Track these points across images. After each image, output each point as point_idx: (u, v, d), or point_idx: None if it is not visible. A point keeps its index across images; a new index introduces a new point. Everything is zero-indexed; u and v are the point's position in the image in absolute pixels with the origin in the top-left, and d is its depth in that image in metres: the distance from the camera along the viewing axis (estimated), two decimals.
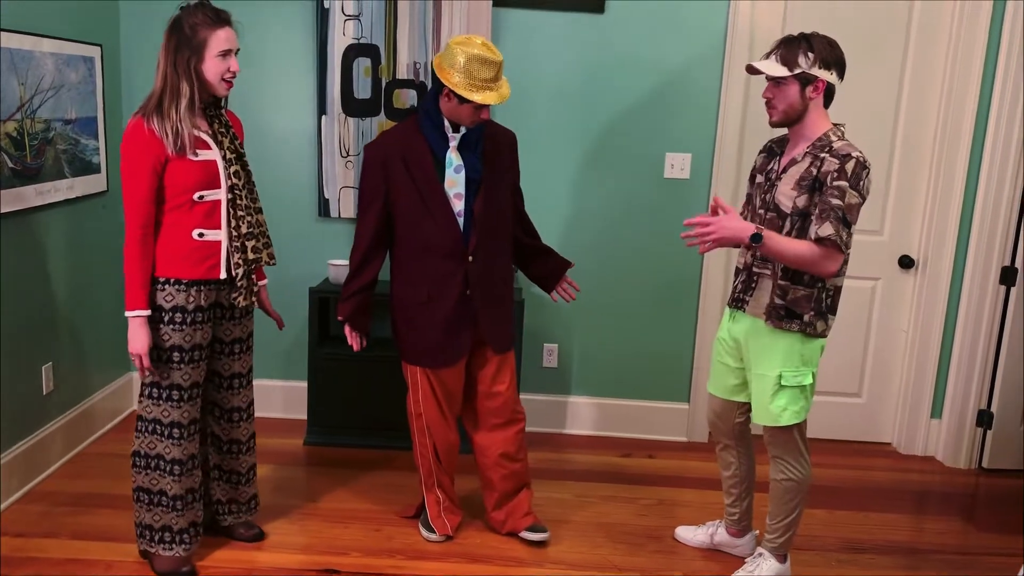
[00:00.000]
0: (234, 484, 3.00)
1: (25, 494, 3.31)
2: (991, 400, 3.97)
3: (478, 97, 2.68)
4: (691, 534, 3.21)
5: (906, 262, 4.00)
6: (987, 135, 3.79)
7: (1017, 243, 3.82)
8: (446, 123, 2.80)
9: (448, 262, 2.87)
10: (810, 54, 2.53)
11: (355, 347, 3.02)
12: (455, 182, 2.83)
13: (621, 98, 3.86)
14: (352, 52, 3.79)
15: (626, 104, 3.87)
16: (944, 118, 3.83)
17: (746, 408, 2.94)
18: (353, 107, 3.84)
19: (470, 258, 2.88)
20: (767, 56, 2.61)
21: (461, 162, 2.83)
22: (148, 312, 2.61)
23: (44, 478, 3.44)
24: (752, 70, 2.63)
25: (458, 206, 2.85)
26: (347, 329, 3.00)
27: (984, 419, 3.99)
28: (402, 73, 3.81)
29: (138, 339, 2.60)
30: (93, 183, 3.67)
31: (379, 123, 3.84)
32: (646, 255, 4.01)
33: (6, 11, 3.05)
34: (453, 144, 2.82)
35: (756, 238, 2.51)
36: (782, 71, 2.55)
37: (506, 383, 3.05)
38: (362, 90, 3.83)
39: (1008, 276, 3.86)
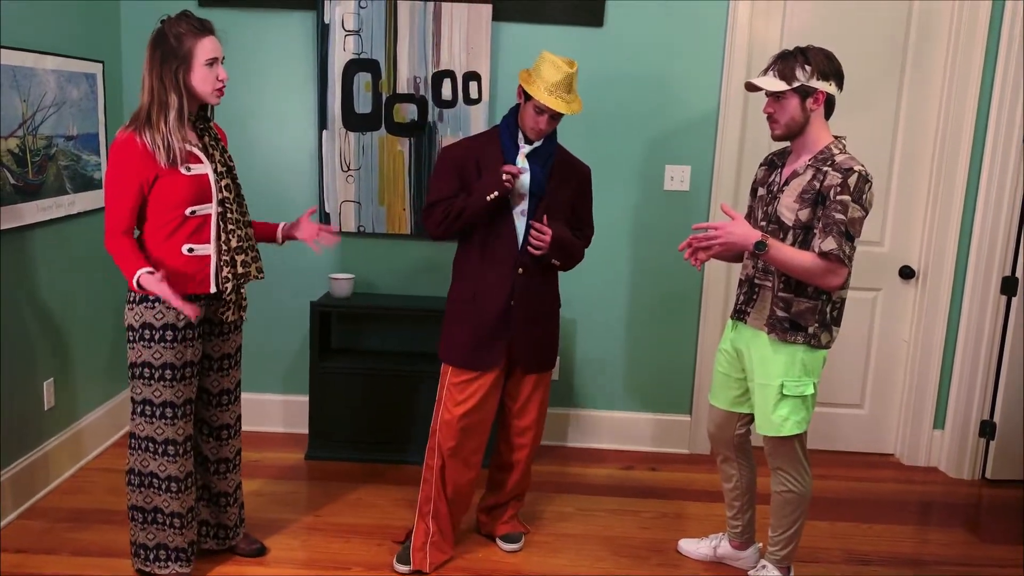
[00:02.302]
0: (222, 507, 2.97)
1: (26, 510, 3.30)
2: (993, 410, 3.96)
3: (539, 95, 2.71)
4: (693, 547, 3.20)
5: (907, 273, 4.01)
6: (986, 145, 3.80)
7: (1017, 253, 3.82)
8: (520, 134, 2.86)
9: (499, 268, 2.88)
10: (807, 67, 2.55)
11: (514, 176, 2.79)
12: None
13: (620, 111, 3.88)
14: (352, 67, 3.81)
15: (625, 117, 3.89)
16: (943, 128, 3.84)
17: (747, 420, 2.94)
18: (354, 122, 3.86)
19: (520, 270, 2.89)
20: (765, 72, 2.63)
21: (527, 167, 2.85)
22: (150, 268, 2.52)
23: (45, 494, 3.43)
24: (751, 87, 2.64)
25: (520, 205, 2.87)
26: (504, 179, 2.76)
27: (987, 430, 3.98)
28: (402, 88, 3.82)
29: (161, 290, 2.50)
30: (94, 199, 3.68)
31: (380, 137, 3.86)
32: (646, 267, 4.01)
33: (9, 28, 3.07)
34: (522, 152, 2.85)
35: (760, 245, 2.52)
36: (780, 86, 2.57)
37: (533, 414, 3.07)
38: (363, 105, 3.84)
39: (1009, 286, 3.86)
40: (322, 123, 3.86)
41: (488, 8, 3.74)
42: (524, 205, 2.87)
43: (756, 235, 2.54)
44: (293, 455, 3.93)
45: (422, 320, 4.00)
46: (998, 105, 3.75)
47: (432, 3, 3.74)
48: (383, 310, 3.89)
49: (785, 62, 2.58)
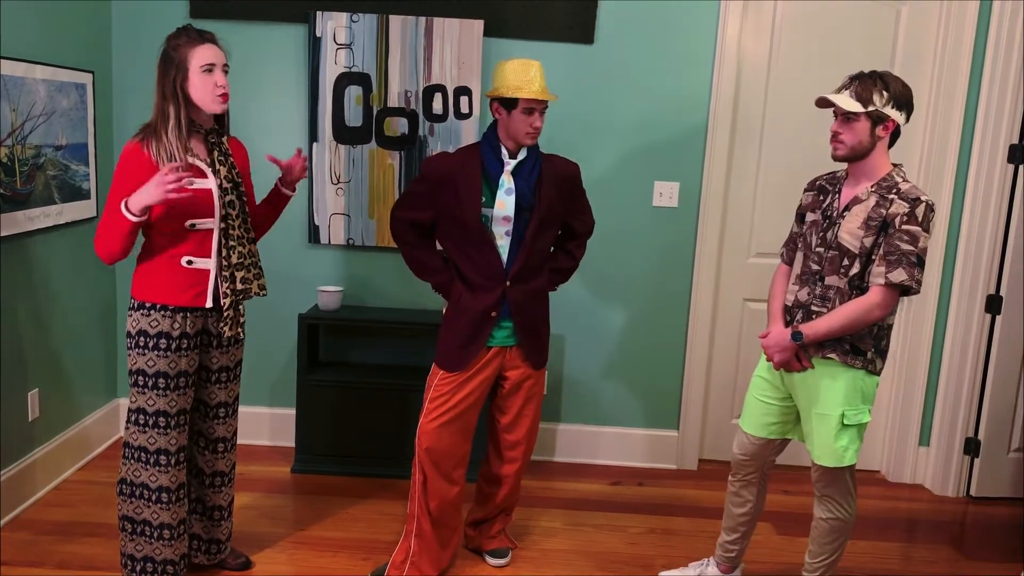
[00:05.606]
0: (215, 521, 2.95)
1: (10, 522, 3.27)
2: (978, 428, 3.99)
3: (523, 92, 2.74)
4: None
5: None
6: (971, 162, 3.84)
7: (1002, 271, 3.86)
8: (503, 149, 2.85)
9: (487, 284, 2.88)
10: (885, 93, 2.51)
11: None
12: (504, 204, 2.84)
13: (610, 127, 3.90)
14: (344, 80, 3.82)
15: (615, 133, 3.91)
16: (929, 145, 3.88)
17: (783, 446, 2.91)
18: (344, 135, 3.87)
19: (508, 283, 2.89)
20: (839, 91, 2.58)
21: (513, 185, 2.85)
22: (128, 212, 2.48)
23: (29, 506, 3.40)
24: (824, 103, 2.59)
25: (506, 226, 2.86)
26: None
27: (971, 447, 4.00)
28: (393, 101, 3.84)
29: (148, 192, 2.44)
30: (83, 209, 3.67)
31: (370, 151, 3.87)
32: (634, 283, 4.03)
33: None
34: (507, 168, 2.85)
35: (797, 336, 2.62)
36: (856, 107, 2.51)
37: (524, 430, 3.06)
38: (353, 118, 3.85)
39: (993, 304, 3.89)
40: (313, 135, 3.87)
41: (479, 24, 3.76)
42: (509, 227, 2.87)
43: (787, 331, 2.65)
44: (279, 468, 3.92)
45: (410, 333, 4.00)
46: (983, 123, 3.78)
47: (424, 18, 3.76)
48: (371, 323, 3.89)
49: (863, 84, 2.53)
